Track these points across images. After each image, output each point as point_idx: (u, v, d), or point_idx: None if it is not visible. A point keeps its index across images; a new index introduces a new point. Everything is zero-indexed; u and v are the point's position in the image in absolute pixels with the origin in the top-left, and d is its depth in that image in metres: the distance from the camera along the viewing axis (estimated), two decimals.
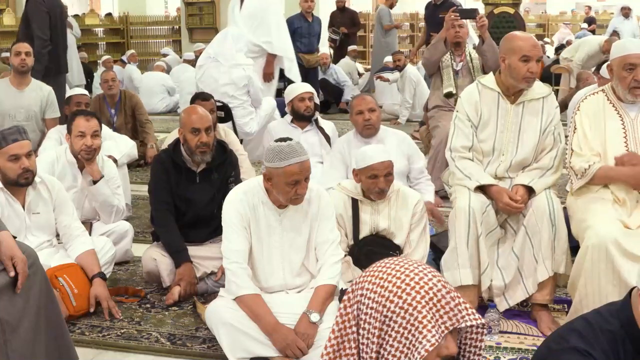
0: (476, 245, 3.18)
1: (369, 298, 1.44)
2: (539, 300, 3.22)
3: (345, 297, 1.50)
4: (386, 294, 1.42)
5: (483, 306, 3.23)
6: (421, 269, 1.45)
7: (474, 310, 1.46)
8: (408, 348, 1.40)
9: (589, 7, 18.94)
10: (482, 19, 5.29)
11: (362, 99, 4.21)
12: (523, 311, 3.35)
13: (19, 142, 3.24)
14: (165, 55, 13.11)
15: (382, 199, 3.37)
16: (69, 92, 5.79)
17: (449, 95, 5.27)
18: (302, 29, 8.26)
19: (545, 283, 3.18)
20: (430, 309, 1.40)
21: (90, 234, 3.77)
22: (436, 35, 6.90)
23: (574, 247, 3.11)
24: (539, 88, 3.32)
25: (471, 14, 5.48)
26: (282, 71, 8.19)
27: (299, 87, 5.06)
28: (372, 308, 1.43)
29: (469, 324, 1.43)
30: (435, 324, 1.39)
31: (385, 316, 1.42)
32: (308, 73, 8.14)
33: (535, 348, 2.74)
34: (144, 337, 3.19)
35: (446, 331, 1.41)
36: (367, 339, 1.44)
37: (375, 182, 3.29)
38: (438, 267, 3.35)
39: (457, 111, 3.40)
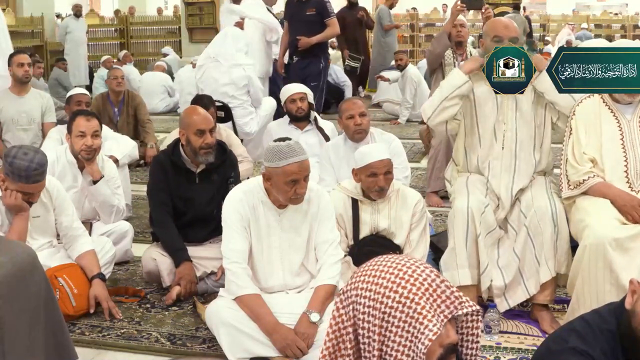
0: (475, 245, 3.18)
1: (365, 297, 1.45)
2: (540, 301, 3.22)
3: (337, 299, 1.51)
4: (382, 290, 1.43)
5: (483, 306, 3.23)
6: (412, 262, 1.47)
7: (468, 298, 1.48)
8: (411, 341, 1.41)
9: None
10: (488, 10, 5.27)
11: (353, 103, 4.14)
12: (523, 311, 3.35)
13: (39, 183, 3.22)
14: (165, 55, 13.11)
15: (382, 197, 3.36)
16: (69, 92, 5.83)
17: None
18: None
19: (547, 283, 3.18)
20: (428, 299, 1.41)
21: (90, 234, 3.77)
22: (304, 39, 6.64)
23: (574, 247, 3.11)
24: None
25: (477, 4, 5.47)
26: (275, 72, 8.15)
27: (290, 89, 5.04)
28: (369, 306, 1.44)
29: (466, 311, 1.44)
30: (434, 313, 1.41)
31: (384, 312, 1.42)
32: None
33: (535, 348, 2.74)
34: (144, 337, 3.19)
35: (445, 320, 1.42)
36: (368, 337, 1.45)
37: (374, 180, 3.29)
38: (438, 267, 3.35)
39: None
